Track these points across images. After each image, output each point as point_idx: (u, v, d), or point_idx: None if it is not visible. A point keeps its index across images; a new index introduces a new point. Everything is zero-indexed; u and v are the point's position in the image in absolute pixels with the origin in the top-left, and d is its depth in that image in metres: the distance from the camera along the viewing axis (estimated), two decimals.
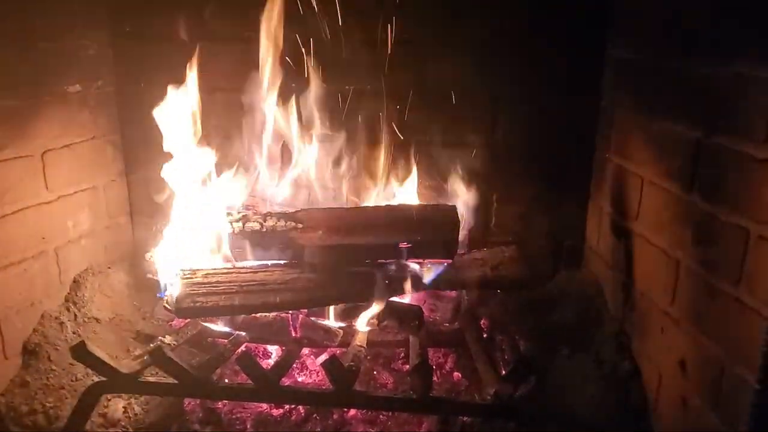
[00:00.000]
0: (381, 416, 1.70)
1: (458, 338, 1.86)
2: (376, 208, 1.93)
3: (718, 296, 1.31)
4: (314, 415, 1.70)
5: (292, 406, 1.72)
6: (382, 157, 2.03)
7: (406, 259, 1.77)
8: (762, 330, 1.14)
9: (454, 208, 1.82)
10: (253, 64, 1.95)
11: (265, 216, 1.79)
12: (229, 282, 1.68)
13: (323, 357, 1.85)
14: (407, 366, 1.80)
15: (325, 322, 1.85)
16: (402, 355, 1.90)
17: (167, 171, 1.90)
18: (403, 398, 1.61)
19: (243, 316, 1.82)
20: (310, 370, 1.87)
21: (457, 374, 1.84)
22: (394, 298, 1.79)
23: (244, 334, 1.83)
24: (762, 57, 1.18)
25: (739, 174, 1.25)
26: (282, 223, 1.77)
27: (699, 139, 1.40)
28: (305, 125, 2.05)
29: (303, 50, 1.97)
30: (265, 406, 1.73)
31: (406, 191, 2.04)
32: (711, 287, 1.34)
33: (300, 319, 1.85)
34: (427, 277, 1.77)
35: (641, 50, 1.75)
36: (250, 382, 1.55)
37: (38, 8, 1.79)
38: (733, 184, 1.27)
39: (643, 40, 1.75)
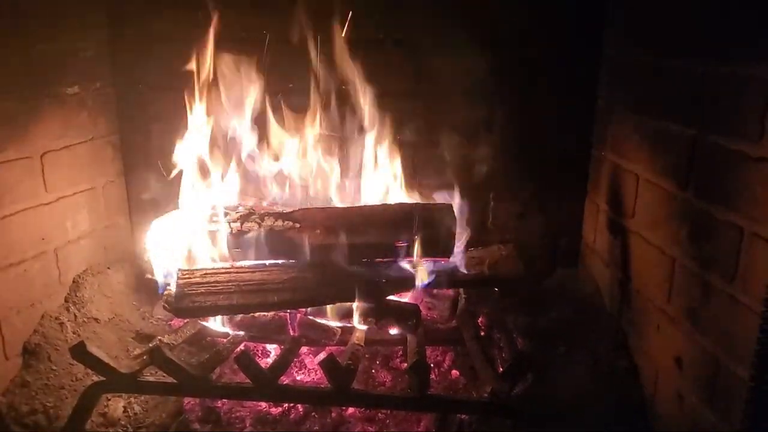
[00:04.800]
0: (379, 414, 1.71)
1: (456, 336, 1.86)
2: (373, 207, 1.93)
3: (713, 293, 1.32)
4: (313, 414, 1.71)
5: (291, 404, 1.73)
6: (378, 156, 2.03)
7: (403, 258, 1.78)
8: (755, 327, 1.14)
9: (450, 207, 1.83)
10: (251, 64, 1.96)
11: (263, 216, 1.79)
12: (228, 282, 1.69)
13: (321, 356, 1.86)
14: (405, 364, 1.80)
15: (324, 321, 1.86)
16: (400, 353, 1.90)
17: (167, 171, 1.91)
18: (401, 396, 1.62)
19: (241, 315, 1.82)
20: (309, 369, 1.88)
21: (454, 372, 1.84)
22: (392, 297, 1.79)
23: (242, 333, 1.84)
24: (757, 56, 1.19)
25: (733, 172, 1.26)
26: (279, 222, 1.77)
27: (694, 138, 1.41)
28: (304, 125, 2.06)
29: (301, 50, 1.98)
30: (263, 404, 1.73)
31: (403, 190, 2.05)
32: (706, 285, 1.34)
33: (298, 317, 1.85)
34: (424, 275, 1.77)
35: (637, 50, 1.76)
36: (248, 381, 1.55)
37: (36, 10, 1.79)
38: (728, 183, 1.28)
39: (639, 40, 1.76)
